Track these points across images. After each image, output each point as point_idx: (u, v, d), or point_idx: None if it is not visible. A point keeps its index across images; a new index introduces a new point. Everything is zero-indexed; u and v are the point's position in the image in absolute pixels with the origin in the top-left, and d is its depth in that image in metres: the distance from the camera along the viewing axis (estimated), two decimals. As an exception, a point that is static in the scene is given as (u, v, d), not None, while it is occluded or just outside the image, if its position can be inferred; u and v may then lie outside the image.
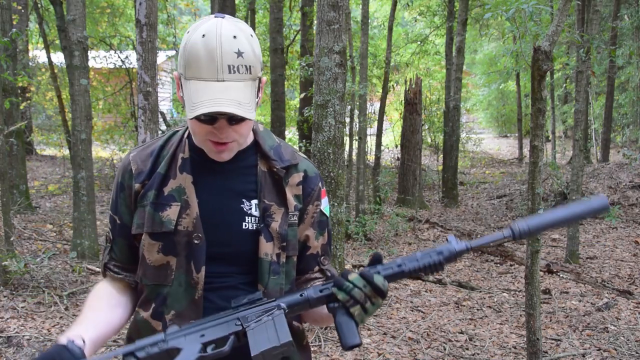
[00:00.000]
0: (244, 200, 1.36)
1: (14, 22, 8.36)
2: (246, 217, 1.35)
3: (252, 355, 1.16)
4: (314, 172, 1.45)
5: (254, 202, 1.36)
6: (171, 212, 1.33)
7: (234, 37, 1.21)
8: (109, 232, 1.43)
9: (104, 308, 1.35)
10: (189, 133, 1.40)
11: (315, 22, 5.44)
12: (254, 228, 1.34)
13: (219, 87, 1.20)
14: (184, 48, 1.24)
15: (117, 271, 1.42)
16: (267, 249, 1.33)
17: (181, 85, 1.28)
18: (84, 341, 1.21)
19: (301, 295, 1.25)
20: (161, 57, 15.44)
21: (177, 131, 1.44)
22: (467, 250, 1.25)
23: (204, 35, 1.20)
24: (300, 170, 1.42)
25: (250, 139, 1.40)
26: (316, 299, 1.24)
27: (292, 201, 1.38)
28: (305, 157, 1.48)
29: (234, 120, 1.25)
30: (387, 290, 1.22)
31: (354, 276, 1.22)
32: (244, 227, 1.34)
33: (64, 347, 1.16)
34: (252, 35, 1.26)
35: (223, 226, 1.31)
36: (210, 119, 1.24)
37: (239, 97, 1.21)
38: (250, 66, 1.23)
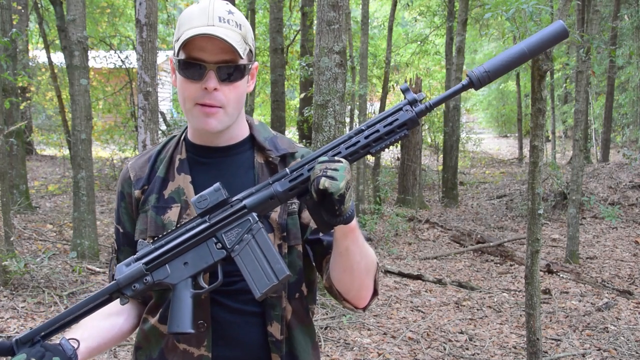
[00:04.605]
0: None
1: (14, 22, 8.36)
2: None
3: (256, 298, 1.19)
4: None
5: None
6: (172, 214, 1.34)
7: (229, 11, 1.27)
8: (114, 243, 1.43)
9: (98, 316, 1.32)
10: (186, 135, 1.41)
11: (315, 22, 5.45)
12: None
13: (208, 29, 1.23)
14: (177, 21, 1.28)
15: None
16: None
17: (175, 66, 1.29)
18: (78, 342, 1.25)
19: (268, 192, 1.22)
20: (161, 57, 15.40)
21: (174, 136, 1.44)
22: (427, 110, 1.19)
23: (197, 3, 1.27)
24: (298, 157, 1.39)
25: (246, 132, 1.40)
26: (282, 192, 1.20)
27: None
28: (305, 147, 1.46)
29: (223, 76, 1.25)
30: (335, 156, 1.17)
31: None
32: None
33: (58, 345, 1.22)
34: (244, 19, 1.31)
35: None
36: (198, 71, 1.24)
37: (229, 36, 1.23)
38: (240, 24, 1.27)
